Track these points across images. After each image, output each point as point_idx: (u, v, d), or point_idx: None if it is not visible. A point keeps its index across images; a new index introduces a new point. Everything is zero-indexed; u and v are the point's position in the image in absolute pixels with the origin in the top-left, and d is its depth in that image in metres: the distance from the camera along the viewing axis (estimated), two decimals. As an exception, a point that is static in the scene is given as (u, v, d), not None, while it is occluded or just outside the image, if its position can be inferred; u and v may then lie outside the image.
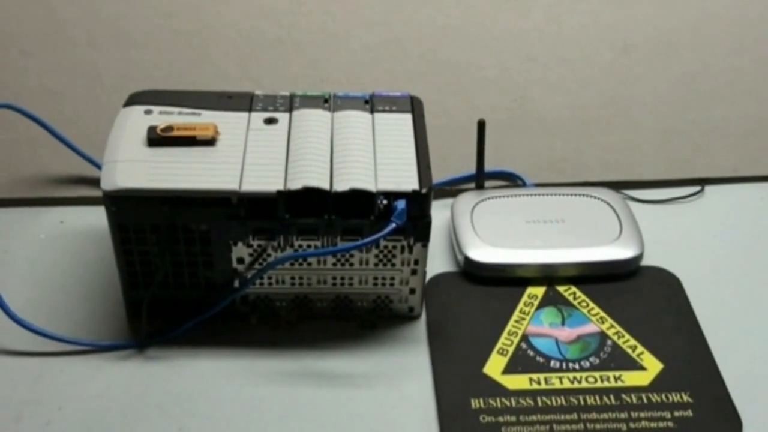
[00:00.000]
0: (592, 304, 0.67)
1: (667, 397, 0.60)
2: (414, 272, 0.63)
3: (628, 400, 0.60)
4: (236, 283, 0.63)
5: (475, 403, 0.60)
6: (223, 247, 0.61)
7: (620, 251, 0.69)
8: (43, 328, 0.63)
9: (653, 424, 0.59)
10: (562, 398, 0.60)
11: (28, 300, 0.67)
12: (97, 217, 0.70)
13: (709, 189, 0.79)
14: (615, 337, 0.65)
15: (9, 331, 0.63)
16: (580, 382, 0.61)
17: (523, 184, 0.78)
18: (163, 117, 0.63)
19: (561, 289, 0.68)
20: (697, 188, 0.79)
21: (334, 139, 0.63)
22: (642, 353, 0.63)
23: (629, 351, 0.64)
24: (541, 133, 0.80)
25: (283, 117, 0.64)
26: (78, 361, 0.63)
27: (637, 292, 0.68)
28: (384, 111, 0.65)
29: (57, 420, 0.59)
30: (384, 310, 0.66)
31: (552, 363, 0.63)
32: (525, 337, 0.65)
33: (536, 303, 0.67)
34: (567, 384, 0.61)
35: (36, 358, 0.63)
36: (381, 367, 0.63)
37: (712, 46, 0.81)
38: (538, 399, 0.60)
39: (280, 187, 0.59)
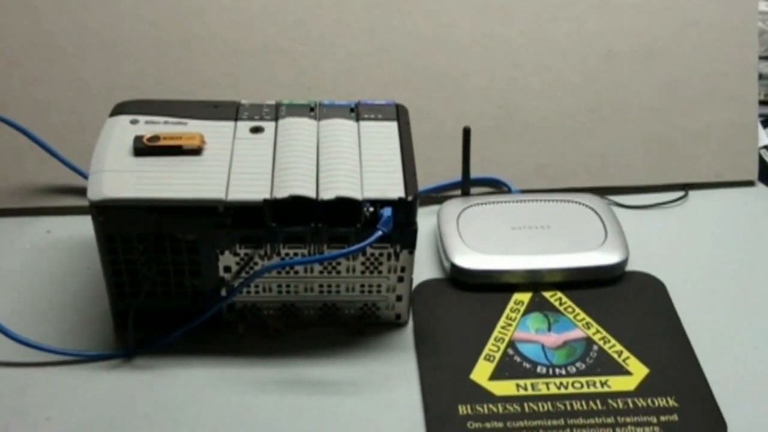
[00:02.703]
0: (578, 310, 0.68)
1: (653, 402, 0.61)
2: (401, 279, 0.64)
3: (615, 405, 0.60)
4: (223, 292, 0.63)
5: (463, 410, 0.60)
6: (210, 255, 0.61)
7: (605, 257, 0.70)
8: (29, 338, 0.63)
9: (639, 429, 0.59)
10: (549, 404, 0.61)
11: (14, 310, 0.67)
12: (83, 227, 0.70)
13: (692, 194, 0.80)
14: (601, 343, 0.65)
15: (-5, 342, 0.63)
16: (566, 387, 0.62)
17: (509, 191, 0.78)
18: (149, 127, 0.63)
19: (547, 294, 0.69)
20: (680, 193, 0.80)
21: (320, 147, 0.63)
22: (628, 358, 0.64)
23: (615, 356, 0.64)
24: (527, 140, 0.80)
25: (269, 126, 0.64)
26: (65, 371, 0.62)
27: (622, 297, 0.69)
28: (370, 119, 0.66)
29: (45, 430, 0.59)
30: (371, 317, 0.66)
31: (539, 369, 0.63)
32: (511, 343, 0.65)
33: (522, 309, 0.68)
34: (554, 389, 0.61)
35: (23, 369, 0.63)
36: (368, 374, 0.63)
37: (695, 53, 0.82)
38: (525, 405, 0.60)
39: (267, 195, 0.59)
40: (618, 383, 0.62)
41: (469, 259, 0.69)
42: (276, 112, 0.66)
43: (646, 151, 0.81)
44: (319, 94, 0.78)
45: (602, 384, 0.62)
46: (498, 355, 0.64)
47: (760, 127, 0.83)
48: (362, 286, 0.64)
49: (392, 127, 0.65)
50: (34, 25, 0.79)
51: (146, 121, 0.64)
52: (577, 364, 0.63)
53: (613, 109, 0.81)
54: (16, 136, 0.75)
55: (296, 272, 0.63)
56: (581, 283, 0.69)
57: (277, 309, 0.65)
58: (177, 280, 0.62)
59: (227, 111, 0.65)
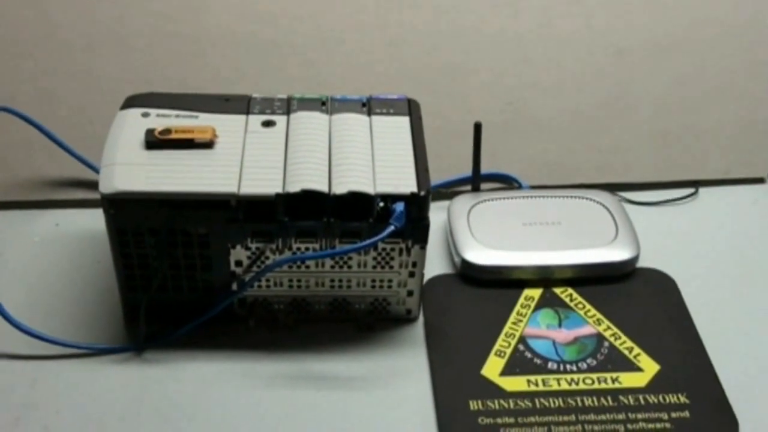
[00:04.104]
0: (588, 306, 0.68)
1: (664, 398, 0.61)
2: (412, 274, 0.64)
3: (626, 401, 0.60)
4: (234, 286, 0.63)
5: (474, 405, 0.60)
6: (222, 250, 0.61)
7: (616, 253, 0.69)
8: (39, 331, 0.63)
9: (650, 425, 0.59)
10: (560, 400, 0.60)
11: (24, 303, 0.67)
12: (92, 220, 0.70)
13: (702, 191, 0.80)
14: (612, 339, 0.65)
15: (5, 335, 0.63)
16: (577, 383, 0.62)
17: (519, 187, 0.78)
18: (160, 120, 0.63)
19: (558, 291, 0.69)
20: (691, 190, 0.80)
21: (332, 141, 0.63)
22: (639, 354, 0.64)
23: (626, 352, 0.64)
24: (537, 136, 0.80)
25: (280, 120, 0.64)
26: (75, 364, 0.62)
27: (633, 293, 0.69)
28: (381, 114, 0.66)
29: (55, 424, 0.59)
30: (382, 312, 0.66)
31: (549, 365, 0.63)
32: (522, 339, 0.65)
33: (533, 305, 0.68)
34: (564, 385, 0.61)
35: (33, 362, 0.63)
36: (379, 369, 0.63)
37: (705, 49, 0.82)
38: (536, 400, 0.60)
39: (279, 190, 0.59)
40: (629, 379, 0.62)
41: (480, 255, 0.69)
42: (288, 106, 0.66)
43: (657, 147, 0.81)
44: (330, 88, 0.78)
45: (613, 380, 0.62)
46: (509, 351, 0.64)
47: (770, 124, 0.83)
48: (373, 281, 0.64)
49: (404, 121, 0.65)
50: (44, 17, 0.79)
51: (157, 114, 0.64)
52: (588, 361, 0.63)
53: (623, 106, 0.81)
54: (26, 128, 0.75)
55: (307, 267, 0.63)
56: (592, 280, 0.69)
57: (287, 303, 0.65)
58: (188, 274, 0.62)
59: (239, 105, 0.65)
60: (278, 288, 0.64)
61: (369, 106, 0.66)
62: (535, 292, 0.68)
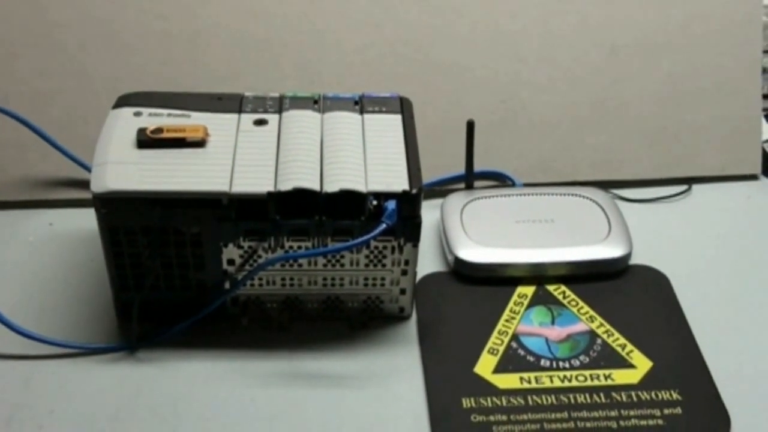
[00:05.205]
0: (581, 303, 0.68)
1: (656, 395, 0.61)
2: (404, 272, 0.64)
3: (618, 398, 0.60)
4: (227, 285, 0.63)
5: (466, 403, 0.60)
6: (214, 248, 0.61)
7: (609, 250, 0.69)
8: (33, 331, 0.63)
9: (643, 422, 0.59)
10: (553, 397, 0.60)
11: (17, 303, 0.67)
12: (86, 220, 0.70)
13: (696, 188, 0.80)
14: (605, 336, 0.65)
15: (-1, 335, 0.63)
16: (570, 380, 0.62)
17: (513, 184, 0.78)
18: (152, 119, 0.63)
19: (551, 288, 0.69)
20: (684, 187, 0.80)
21: (324, 140, 0.63)
22: (631, 351, 0.64)
23: (619, 349, 0.64)
24: (530, 134, 0.80)
25: (272, 118, 0.64)
26: (69, 364, 0.62)
27: (626, 290, 0.69)
28: (373, 112, 0.66)
29: (49, 423, 0.59)
30: (374, 310, 0.66)
31: (542, 362, 0.63)
32: (515, 337, 0.65)
33: (526, 302, 0.68)
34: (557, 383, 0.61)
35: (26, 362, 0.63)
36: (372, 367, 0.63)
37: (699, 47, 0.82)
38: (529, 398, 0.60)
39: (271, 188, 0.59)
40: (622, 376, 0.62)
41: (473, 253, 0.69)
42: (280, 105, 0.66)
43: (650, 144, 0.81)
44: (322, 86, 0.78)
45: (606, 377, 0.62)
46: (502, 349, 0.64)
47: (763, 121, 0.83)
48: (366, 279, 0.64)
49: (396, 119, 0.65)
50: (37, 16, 0.79)
51: (149, 114, 0.64)
52: (581, 358, 0.63)
53: (617, 103, 0.81)
54: (19, 128, 0.75)
55: (300, 265, 0.63)
56: (585, 277, 0.69)
57: (280, 302, 0.65)
58: (180, 273, 0.62)
59: (231, 103, 0.65)
60: (271, 286, 0.64)
61: (361, 105, 0.66)
62: (528, 290, 0.69)
